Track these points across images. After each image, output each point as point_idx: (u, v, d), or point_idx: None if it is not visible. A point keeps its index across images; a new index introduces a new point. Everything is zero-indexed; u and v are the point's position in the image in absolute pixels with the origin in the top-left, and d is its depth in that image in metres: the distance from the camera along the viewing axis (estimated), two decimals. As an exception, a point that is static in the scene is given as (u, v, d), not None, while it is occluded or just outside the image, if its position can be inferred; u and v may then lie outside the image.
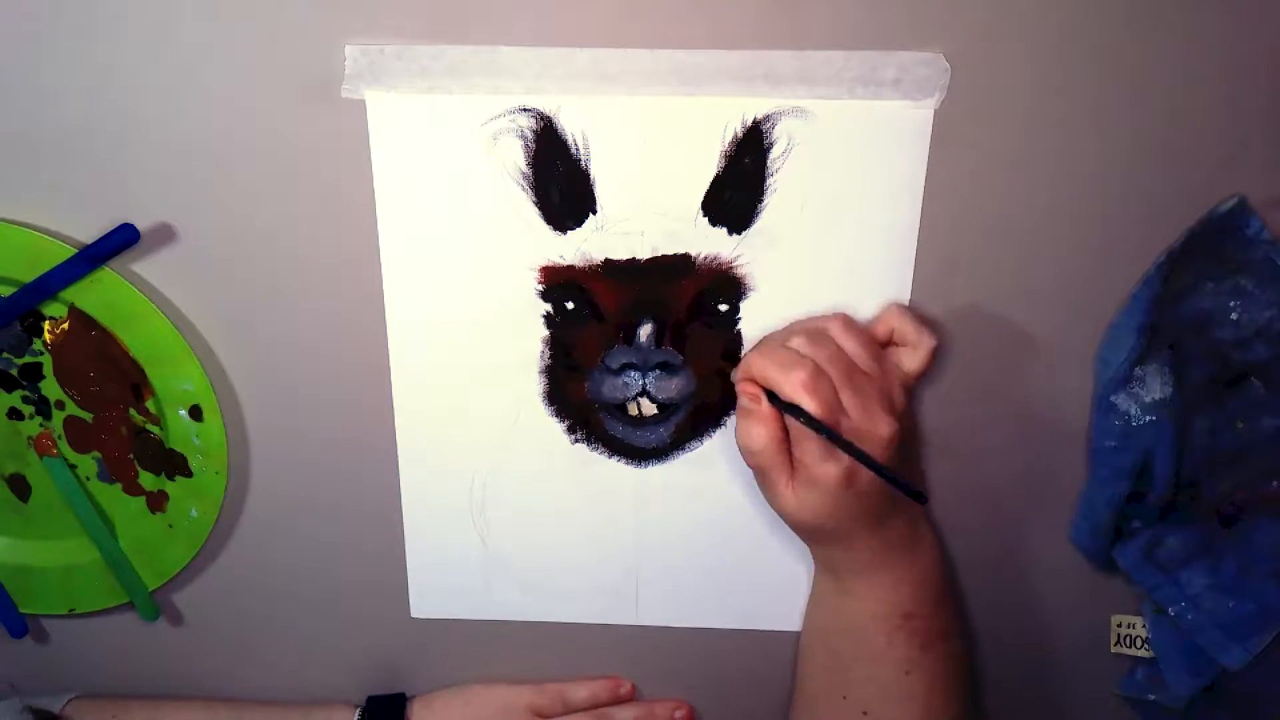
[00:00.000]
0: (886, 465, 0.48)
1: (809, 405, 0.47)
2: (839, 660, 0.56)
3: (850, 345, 0.50)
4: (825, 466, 0.49)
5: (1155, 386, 0.52)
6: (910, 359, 0.51)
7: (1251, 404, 0.54)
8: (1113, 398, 0.53)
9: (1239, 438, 0.54)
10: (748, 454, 0.51)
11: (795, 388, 0.48)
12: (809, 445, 0.49)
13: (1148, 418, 0.53)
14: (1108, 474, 0.54)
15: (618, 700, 0.63)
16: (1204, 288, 0.52)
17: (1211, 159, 0.49)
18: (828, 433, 0.48)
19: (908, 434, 0.52)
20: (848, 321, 0.51)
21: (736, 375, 0.52)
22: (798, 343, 0.49)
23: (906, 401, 0.51)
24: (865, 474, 0.49)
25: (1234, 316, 0.52)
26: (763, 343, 0.52)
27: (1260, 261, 0.50)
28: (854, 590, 0.54)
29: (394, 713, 0.62)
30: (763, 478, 0.52)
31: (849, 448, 0.48)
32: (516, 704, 0.62)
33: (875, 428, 0.48)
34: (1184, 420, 0.53)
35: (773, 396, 0.49)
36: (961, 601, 0.60)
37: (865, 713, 0.54)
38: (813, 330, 0.50)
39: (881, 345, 0.52)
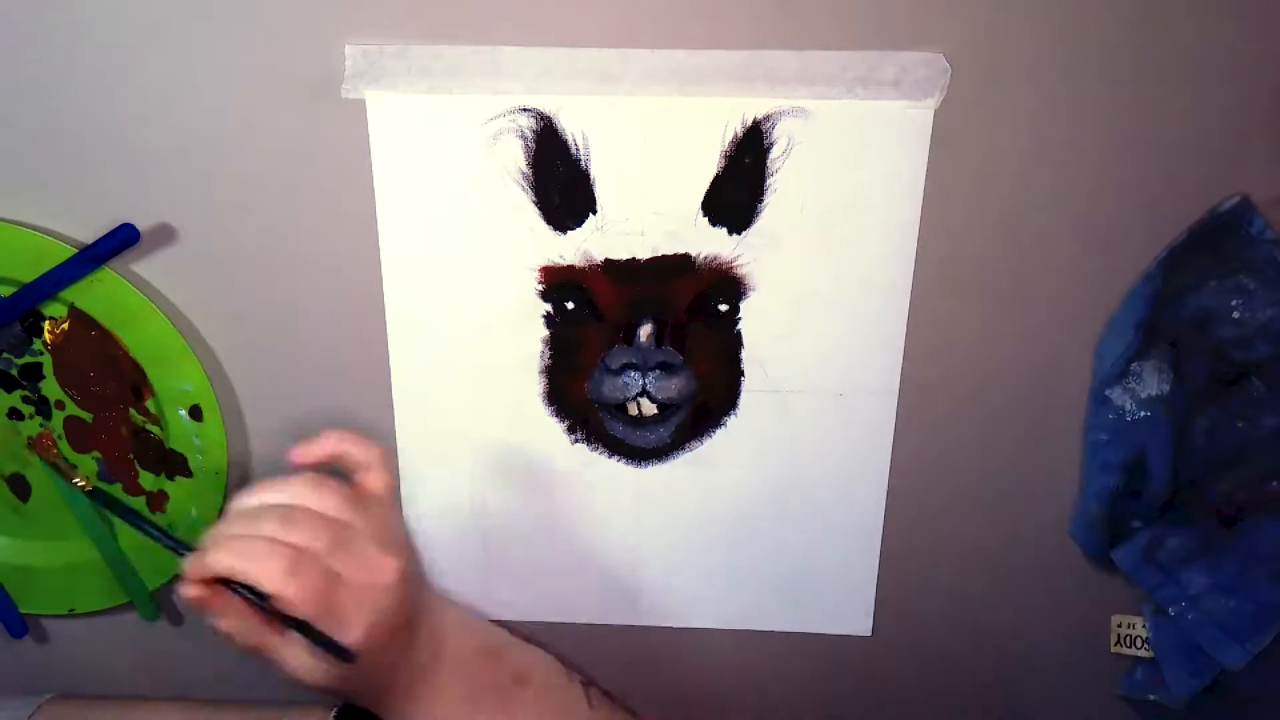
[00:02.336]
0: (320, 627, 0.43)
1: (291, 592, 0.42)
2: None
3: (327, 504, 0.45)
4: (344, 634, 0.44)
5: (1152, 383, 0.52)
6: (375, 479, 0.48)
7: (1252, 403, 0.54)
8: (1107, 391, 0.53)
9: (1239, 437, 0.54)
10: (236, 644, 0.45)
11: (275, 580, 0.42)
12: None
13: (1143, 413, 0.53)
14: (1098, 467, 0.54)
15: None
16: (1206, 286, 0.52)
17: (1212, 158, 0.49)
18: (290, 620, 0.43)
19: (414, 554, 0.49)
20: (315, 481, 0.46)
21: (189, 573, 0.44)
22: (270, 528, 0.44)
23: (404, 532, 0.48)
24: (379, 615, 0.45)
25: (1236, 315, 0.52)
26: (225, 529, 0.45)
27: (1263, 260, 0.50)
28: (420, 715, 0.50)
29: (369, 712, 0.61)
30: (260, 655, 0.45)
31: (300, 625, 0.43)
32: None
33: (379, 576, 0.45)
34: (1183, 418, 0.53)
35: (229, 582, 0.43)
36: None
37: None
38: (282, 508, 0.45)
39: (350, 484, 0.48)
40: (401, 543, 0.47)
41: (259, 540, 0.44)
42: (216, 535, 0.45)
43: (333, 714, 0.62)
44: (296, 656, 0.45)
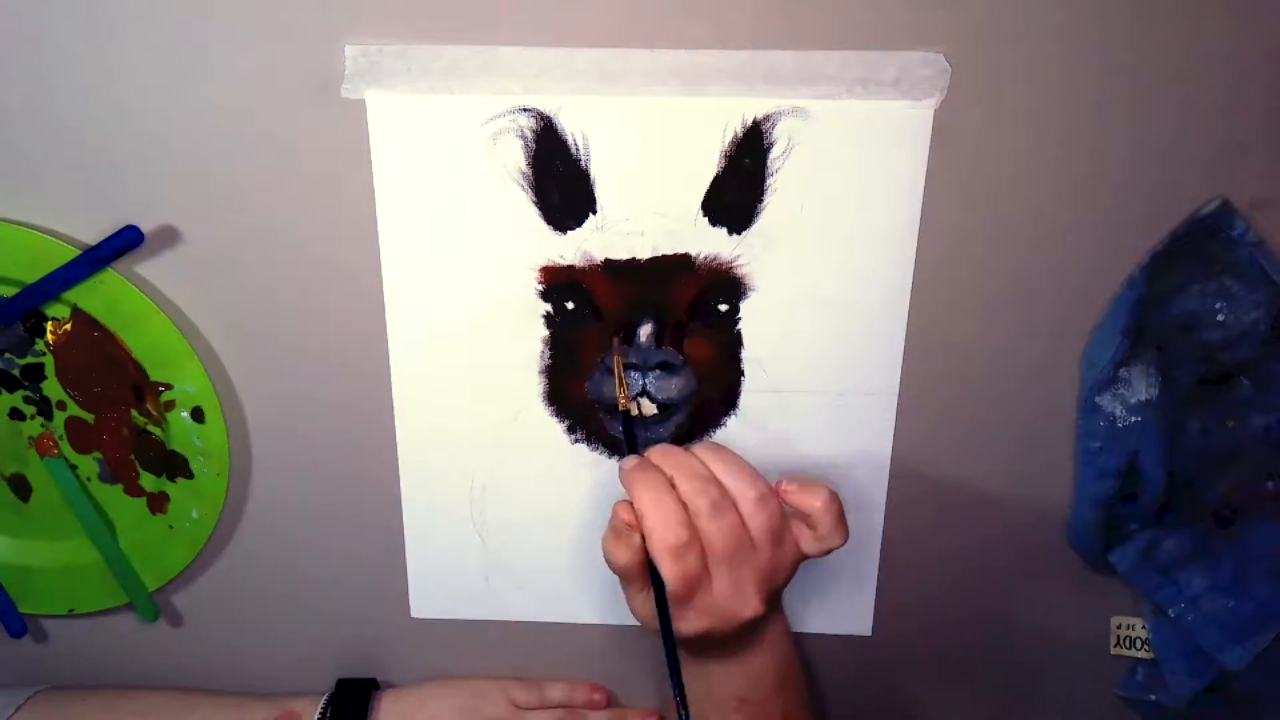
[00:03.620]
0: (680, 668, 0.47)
1: (667, 574, 0.45)
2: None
3: (757, 520, 0.46)
4: (680, 623, 0.47)
5: (1141, 388, 0.52)
6: (811, 546, 0.48)
7: (1240, 402, 0.54)
8: (1097, 399, 0.53)
9: (1231, 436, 0.54)
10: (609, 563, 0.48)
11: (662, 554, 0.45)
12: None
13: (1133, 419, 0.53)
14: (1093, 474, 0.54)
15: (592, 705, 0.63)
16: (1190, 290, 0.52)
17: (1211, 159, 0.49)
18: (662, 609, 0.47)
19: (778, 601, 0.51)
20: (766, 497, 0.47)
21: (622, 480, 0.48)
22: (699, 505, 0.45)
23: (791, 574, 0.49)
24: (716, 634, 0.47)
25: (1220, 318, 0.52)
26: (669, 466, 0.47)
27: (1245, 263, 0.50)
28: (686, 675, 0.52)
29: (361, 698, 0.61)
30: (621, 581, 0.50)
31: (667, 635, 0.47)
32: (491, 692, 0.62)
33: (739, 608, 0.46)
34: (1174, 421, 0.53)
35: None
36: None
37: None
38: (721, 498, 0.46)
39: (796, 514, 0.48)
40: (779, 587, 0.48)
41: (676, 508, 0.45)
42: (657, 463, 0.47)
43: (324, 698, 0.62)
44: (644, 607, 0.49)
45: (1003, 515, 0.58)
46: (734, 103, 0.49)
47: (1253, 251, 0.50)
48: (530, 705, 0.62)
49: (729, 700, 0.52)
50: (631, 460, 0.48)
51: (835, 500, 0.47)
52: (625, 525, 0.47)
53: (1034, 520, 0.58)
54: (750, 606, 0.47)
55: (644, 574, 0.48)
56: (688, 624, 0.47)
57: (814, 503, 0.47)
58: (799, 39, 0.47)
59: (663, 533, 0.45)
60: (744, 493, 0.46)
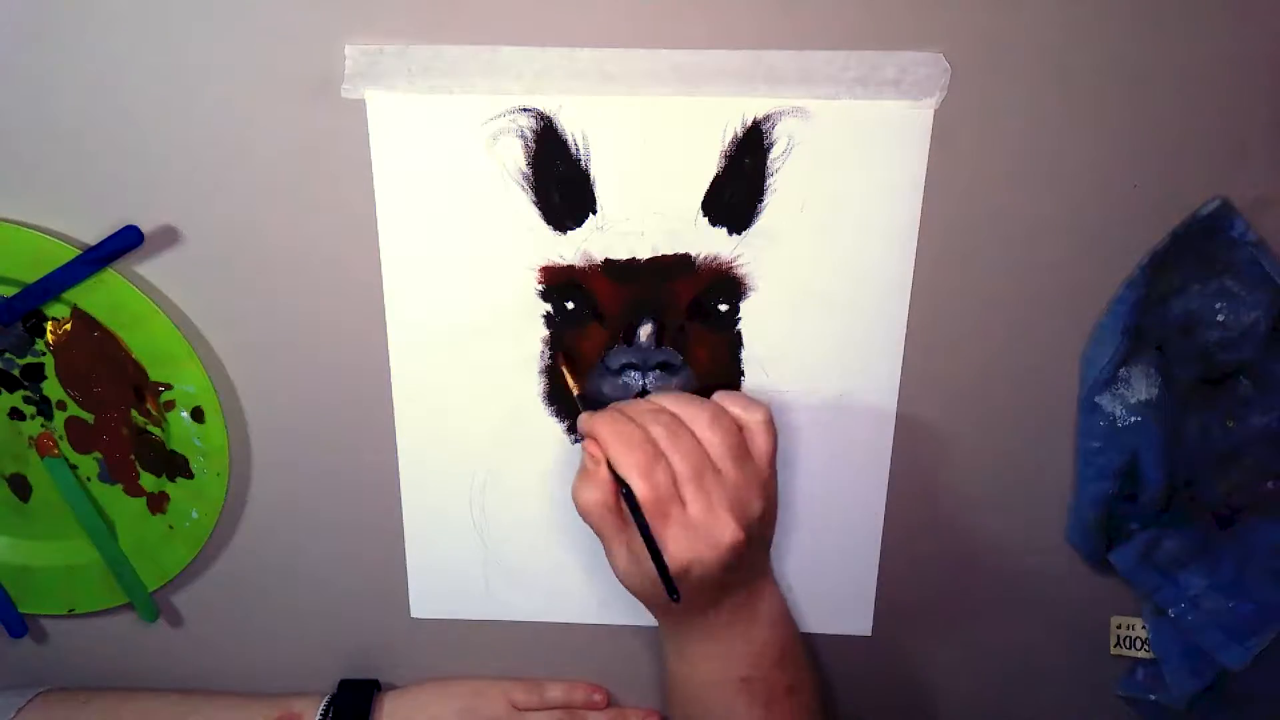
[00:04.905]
0: (670, 570, 0.47)
1: (638, 487, 0.46)
2: (693, 713, 0.55)
3: (714, 439, 0.48)
4: (667, 556, 0.47)
5: (1141, 388, 0.52)
6: (757, 441, 0.50)
7: (1240, 402, 0.54)
8: (1097, 398, 0.53)
9: (1231, 437, 0.54)
10: (578, 508, 0.49)
11: (629, 468, 0.47)
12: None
13: (1133, 419, 0.53)
14: (1093, 474, 0.54)
15: (591, 705, 0.63)
16: (1190, 289, 0.52)
17: (1211, 159, 0.49)
18: (639, 519, 0.47)
19: (768, 531, 0.52)
20: (717, 414, 0.49)
21: (581, 427, 0.51)
22: (657, 432, 0.48)
23: (765, 506, 0.50)
24: (701, 566, 0.47)
25: (1220, 318, 0.52)
26: (624, 408, 0.50)
27: (1245, 263, 0.50)
28: (690, 658, 0.54)
29: (363, 699, 0.62)
30: (599, 537, 0.50)
31: (644, 531, 0.47)
32: (491, 693, 0.62)
33: (716, 529, 0.47)
34: (1175, 421, 0.53)
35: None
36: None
37: None
38: (675, 422, 0.49)
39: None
40: (754, 514, 0.49)
41: (637, 430, 0.48)
42: (613, 408, 0.50)
43: (326, 699, 0.62)
44: (622, 557, 0.49)
45: (1003, 515, 0.58)
46: (734, 103, 0.49)
47: (1253, 251, 0.50)
48: (530, 706, 0.62)
49: (733, 681, 0.52)
50: (584, 415, 0.51)
51: (728, 393, 0.51)
52: (590, 459, 0.49)
53: (1034, 520, 0.58)
54: (728, 530, 0.47)
55: (616, 513, 0.49)
56: (675, 552, 0.47)
57: (755, 415, 0.50)
58: (799, 39, 0.47)
59: (628, 453, 0.47)
60: (696, 416, 0.49)
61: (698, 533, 0.47)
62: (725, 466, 0.48)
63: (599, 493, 0.48)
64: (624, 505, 0.48)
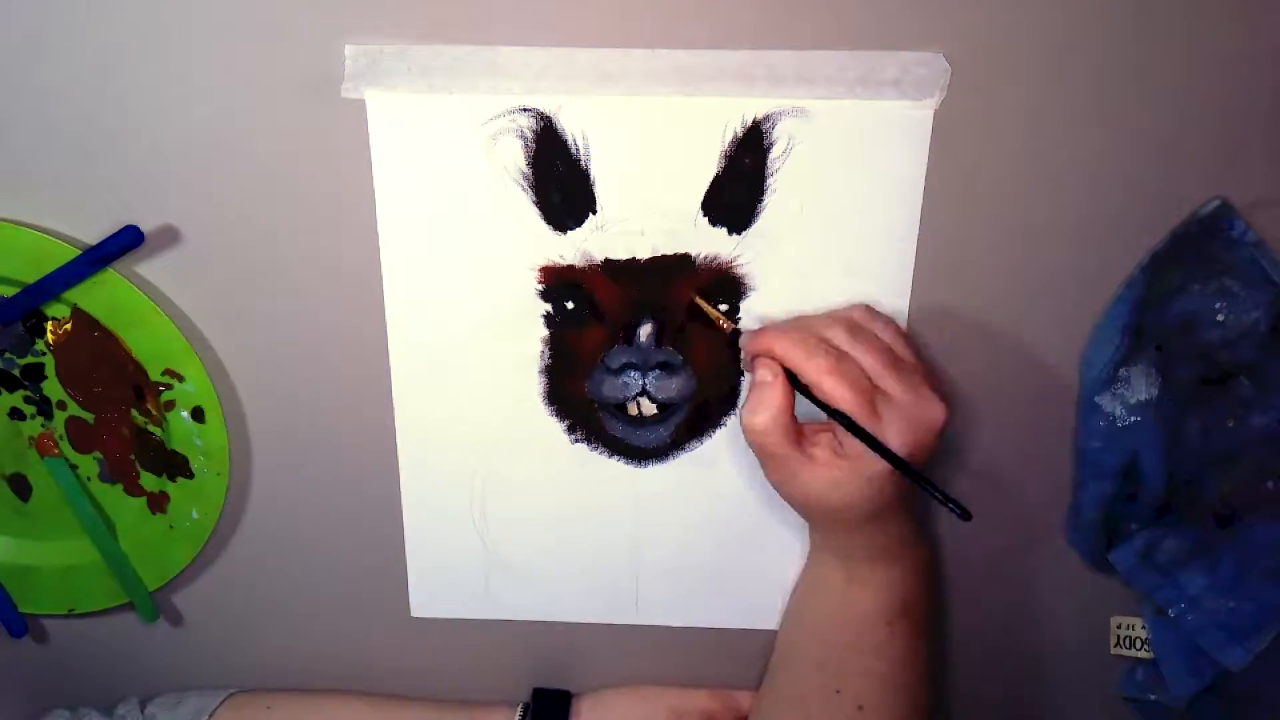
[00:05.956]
0: (929, 460, 0.47)
1: (834, 390, 0.45)
2: (836, 654, 0.54)
3: (888, 335, 0.49)
4: (874, 459, 0.46)
5: (1141, 388, 0.52)
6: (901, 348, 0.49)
7: (1240, 402, 0.54)
8: (1097, 399, 0.53)
9: (1231, 436, 0.54)
10: (751, 432, 0.48)
11: (822, 376, 0.46)
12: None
13: (1133, 419, 0.53)
14: (1093, 474, 0.54)
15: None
16: (1190, 289, 0.52)
17: (1211, 160, 0.49)
18: (861, 433, 0.45)
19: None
20: (875, 312, 0.50)
21: (749, 347, 0.49)
22: (835, 335, 0.47)
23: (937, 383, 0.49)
24: (922, 452, 0.47)
25: (1220, 318, 0.52)
26: (791, 322, 0.50)
27: (1245, 263, 0.50)
28: (864, 579, 0.53)
29: (560, 709, 0.62)
30: (770, 461, 0.49)
31: (884, 451, 0.46)
32: (688, 706, 0.61)
33: (927, 411, 0.46)
34: (1175, 421, 0.53)
35: (794, 380, 0.47)
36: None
37: (860, 707, 0.53)
38: (848, 322, 0.48)
39: None
40: (944, 397, 0.48)
41: (812, 337, 0.47)
42: (779, 324, 0.49)
43: (520, 709, 0.62)
44: (811, 471, 0.47)
45: (1003, 515, 0.58)
46: (734, 103, 0.49)
47: (1253, 251, 0.50)
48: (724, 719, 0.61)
49: (897, 607, 0.52)
50: (746, 334, 0.50)
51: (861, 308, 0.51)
52: (763, 377, 0.47)
53: (1034, 520, 0.58)
54: (937, 406, 0.47)
55: (789, 430, 0.47)
56: (897, 443, 0.46)
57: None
58: (799, 39, 0.47)
59: (813, 359, 0.46)
60: (857, 315, 0.49)
61: (909, 416, 0.46)
62: (905, 354, 0.48)
63: (773, 411, 0.47)
64: (830, 419, 0.46)
